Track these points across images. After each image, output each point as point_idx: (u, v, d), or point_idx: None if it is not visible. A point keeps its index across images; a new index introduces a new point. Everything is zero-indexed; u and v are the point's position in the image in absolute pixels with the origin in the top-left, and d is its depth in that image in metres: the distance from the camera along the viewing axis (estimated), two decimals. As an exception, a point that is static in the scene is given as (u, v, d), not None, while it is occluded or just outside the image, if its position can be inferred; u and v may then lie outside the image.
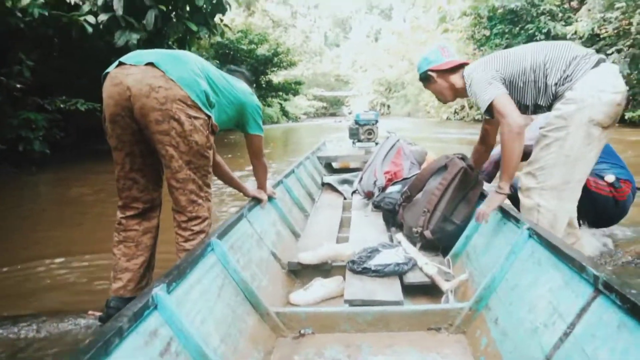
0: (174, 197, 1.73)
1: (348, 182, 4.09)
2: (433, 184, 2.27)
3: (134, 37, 6.51)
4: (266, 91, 20.17)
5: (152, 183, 1.84)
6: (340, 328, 1.60)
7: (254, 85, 2.24)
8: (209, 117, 1.71)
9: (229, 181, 2.26)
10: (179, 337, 1.13)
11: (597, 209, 2.46)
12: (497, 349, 1.34)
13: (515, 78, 1.89)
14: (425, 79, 2.21)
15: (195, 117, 1.64)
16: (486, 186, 2.45)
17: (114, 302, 1.75)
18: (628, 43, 11.11)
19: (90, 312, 1.89)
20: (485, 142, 2.31)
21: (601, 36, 11.87)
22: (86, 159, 8.24)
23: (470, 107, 21.08)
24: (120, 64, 1.63)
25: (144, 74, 1.59)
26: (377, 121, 5.46)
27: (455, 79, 2.12)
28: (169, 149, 1.63)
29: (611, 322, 0.95)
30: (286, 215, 2.67)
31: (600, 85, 1.72)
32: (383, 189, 3.11)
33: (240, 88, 1.97)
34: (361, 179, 3.48)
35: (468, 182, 2.18)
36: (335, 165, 5.19)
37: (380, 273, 1.90)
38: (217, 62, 15.98)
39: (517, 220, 1.66)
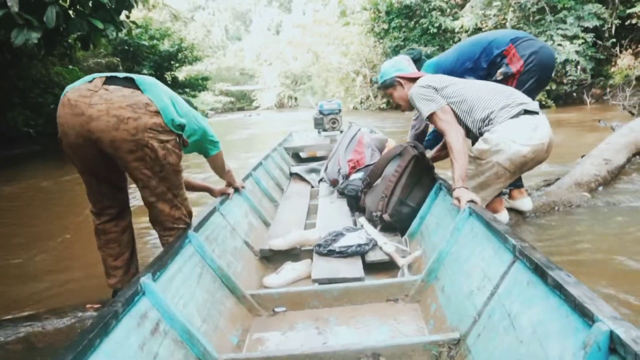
0: (154, 208, 1.78)
1: (315, 171, 4.25)
2: (390, 171, 2.48)
3: (34, 36, 5.79)
4: (172, 88, 18.56)
5: (119, 190, 1.90)
6: (309, 304, 1.79)
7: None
8: (180, 135, 1.73)
9: (194, 188, 2.34)
10: (166, 318, 1.29)
11: None
12: (443, 312, 1.57)
13: (452, 101, 2.07)
14: (390, 85, 2.35)
15: (167, 140, 1.66)
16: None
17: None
18: (505, 38, 12.83)
19: (88, 305, 1.99)
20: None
21: (483, 30, 13.21)
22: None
23: (375, 97, 21.27)
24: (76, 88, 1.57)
25: (108, 104, 1.54)
26: (340, 110, 5.63)
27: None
28: (145, 172, 1.67)
29: (523, 281, 1.18)
30: (256, 206, 2.83)
31: (513, 135, 1.91)
32: (347, 176, 3.31)
33: (198, 114, 1.98)
34: (326, 167, 3.67)
35: (421, 168, 2.40)
36: (302, 154, 5.35)
37: (344, 254, 2.10)
38: (118, 59, 15.24)
39: None
